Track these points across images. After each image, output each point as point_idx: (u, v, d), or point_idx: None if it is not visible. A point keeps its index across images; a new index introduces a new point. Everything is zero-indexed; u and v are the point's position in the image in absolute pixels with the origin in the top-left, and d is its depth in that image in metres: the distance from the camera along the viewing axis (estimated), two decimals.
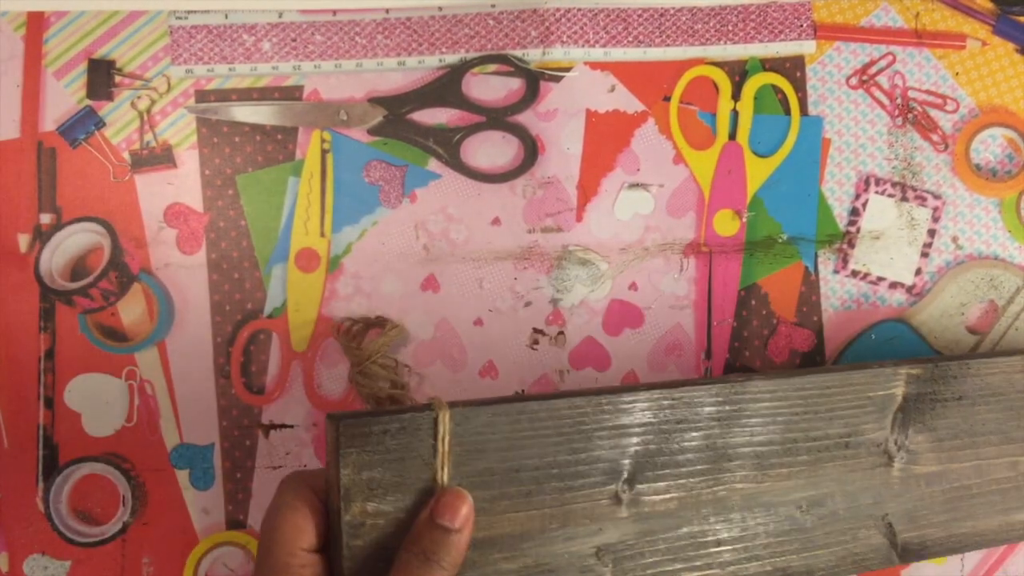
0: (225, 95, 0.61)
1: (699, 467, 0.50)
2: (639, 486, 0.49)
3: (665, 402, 0.50)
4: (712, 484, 0.51)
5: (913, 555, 0.55)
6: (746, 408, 0.51)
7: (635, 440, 0.49)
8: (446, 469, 0.46)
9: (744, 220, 0.64)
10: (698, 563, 0.50)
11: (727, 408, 0.51)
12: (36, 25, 0.61)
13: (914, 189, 0.64)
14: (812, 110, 0.64)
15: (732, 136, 0.64)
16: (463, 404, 0.46)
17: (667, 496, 0.50)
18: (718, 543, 0.51)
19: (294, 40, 0.62)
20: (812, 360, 0.64)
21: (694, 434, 0.50)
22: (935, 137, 0.64)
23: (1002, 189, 0.64)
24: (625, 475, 0.49)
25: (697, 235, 0.63)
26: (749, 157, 0.63)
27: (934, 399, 0.55)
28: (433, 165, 0.62)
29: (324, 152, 0.62)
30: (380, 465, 0.45)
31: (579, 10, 0.63)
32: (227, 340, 0.61)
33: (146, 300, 0.60)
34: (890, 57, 0.64)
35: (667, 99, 0.63)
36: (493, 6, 0.62)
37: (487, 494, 0.46)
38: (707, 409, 0.50)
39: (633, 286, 0.63)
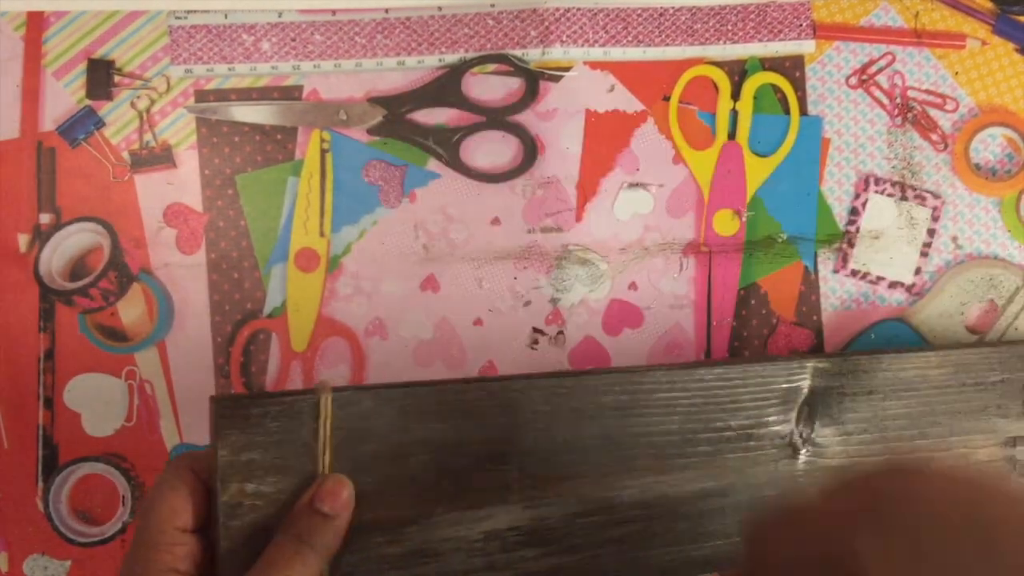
0: (224, 95, 0.61)
1: (596, 456, 0.50)
2: (531, 472, 0.49)
3: (560, 390, 0.49)
4: (607, 473, 0.50)
5: None
6: (644, 399, 0.51)
7: (527, 427, 0.49)
8: (328, 453, 0.46)
9: (744, 220, 0.64)
10: (588, 552, 0.50)
11: (623, 399, 0.51)
12: (36, 25, 0.61)
13: (914, 189, 0.64)
14: (812, 110, 0.64)
15: (732, 136, 0.64)
16: (347, 388, 0.47)
17: (561, 485, 0.50)
18: (614, 530, 0.51)
19: (294, 40, 0.62)
20: None
21: (589, 423, 0.50)
22: (935, 137, 0.64)
23: (1002, 189, 0.64)
24: (516, 462, 0.49)
25: (697, 235, 0.63)
26: (749, 157, 0.63)
27: (842, 393, 0.55)
28: (433, 165, 0.62)
29: (324, 152, 0.62)
30: (260, 447, 0.45)
31: (579, 10, 0.63)
32: (227, 340, 0.61)
33: (146, 300, 0.60)
34: (890, 57, 0.64)
35: (666, 99, 0.63)
36: (493, 6, 0.62)
37: (371, 478, 0.47)
38: (605, 399, 0.50)
39: (633, 286, 0.63)
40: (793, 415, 0.54)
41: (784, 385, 0.54)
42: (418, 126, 0.62)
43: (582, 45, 0.63)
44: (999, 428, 0.57)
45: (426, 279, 0.62)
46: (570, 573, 0.50)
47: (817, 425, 0.54)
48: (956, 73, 0.64)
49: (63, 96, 0.60)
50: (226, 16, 0.61)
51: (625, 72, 0.63)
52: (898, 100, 0.64)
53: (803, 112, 0.64)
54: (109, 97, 0.61)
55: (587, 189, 0.63)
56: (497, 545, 0.48)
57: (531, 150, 0.62)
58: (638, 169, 0.63)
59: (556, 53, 0.62)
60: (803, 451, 0.54)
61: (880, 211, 0.64)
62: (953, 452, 0.57)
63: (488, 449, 0.48)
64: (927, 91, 0.64)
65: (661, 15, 0.63)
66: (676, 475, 0.52)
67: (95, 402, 0.60)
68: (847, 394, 0.55)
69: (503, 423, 0.49)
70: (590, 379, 0.50)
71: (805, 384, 0.54)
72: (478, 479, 0.48)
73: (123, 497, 0.60)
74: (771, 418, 0.54)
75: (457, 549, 0.48)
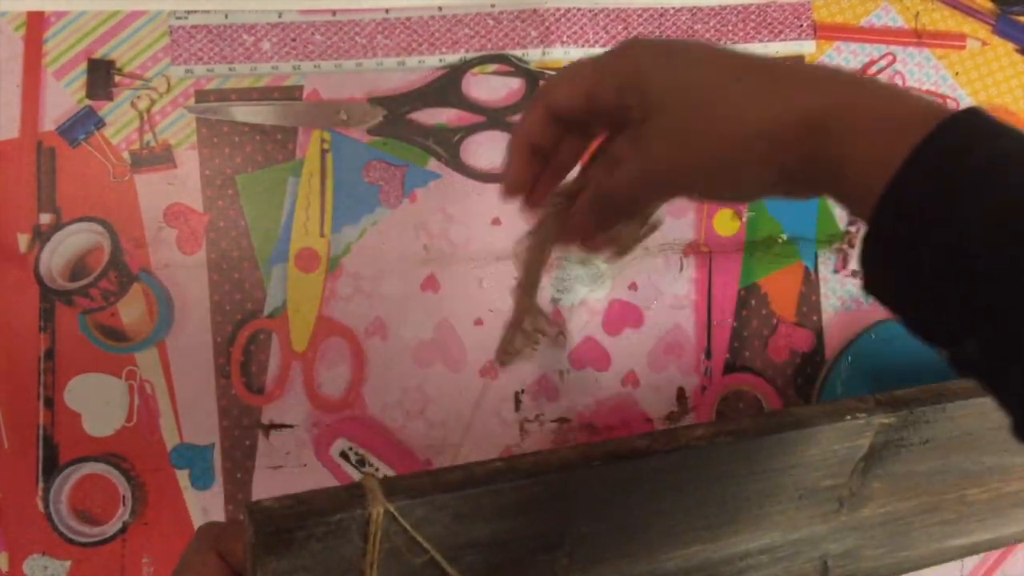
0: (225, 95, 0.61)
1: (646, 535, 0.47)
2: (580, 559, 0.46)
3: (621, 473, 0.45)
4: (654, 549, 0.48)
5: None
6: (702, 473, 0.48)
7: (580, 514, 0.45)
8: (375, 569, 0.41)
9: (744, 220, 0.64)
10: None
11: (681, 475, 0.47)
12: (36, 25, 0.61)
13: None
14: None
15: None
16: (397, 489, 0.41)
17: (610, 567, 0.47)
18: None
19: (294, 40, 0.62)
20: (812, 360, 0.64)
21: (644, 502, 0.47)
22: None
23: None
24: (566, 548, 0.46)
25: (697, 235, 0.63)
26: None
27: (899, 445, 0.52)
28: (433, 165, 0.62)
29: (324, 152, 0.62)
30: (302, 571, 0.40)
31: (579, 10, 0.63)
32: (227, 340, 0.61)
33: (146, 300, 0.60)
34: (890, 57, 0.64)
35: None
36: (493, 6, 0.62)
37: None
38: (664, 477, 0.47)
39: (633, 286, 0.63)
40: (848, 471, 0.51)
41: (846, 444, 0.50)
42: (418, 126, 0.62)
43: (582, 45, 0.63)
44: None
45: (426, 279, 0.62)
46: None
47: (868, 479, 0.52)
48: (956, 73, 0.64)
49: (63, 96, 0.60)
50: (226, 16, 0.61)
51: None
52: None
53: None
54: (109, 97, 0.61)
55: None
56: None
57: None
58: None
59: (556, 53, 0.62)
60: (848, 505, 0.52)
61: None
62: (988, 488, 0.56)
63: (539, 541, 0.45)
64: (927, 91, 0.64)
65: (661, 15, 0.63)
66: (722, 541, 0.49)
67: (95, 402, 0.60)
68: (904, 446, 0.52)
69: (555, 512, 0.45)
70: (652, 461, 0.46)
71: (867, 442, 0.51)
72: (528, 571, 0.45)
73: (123, 497, 0.60)
74: (825, 477, 0.50)
75: None
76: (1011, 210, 0.31)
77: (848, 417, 0.49)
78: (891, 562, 0.55)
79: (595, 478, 0.45)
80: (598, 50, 0.62)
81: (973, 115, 0.33)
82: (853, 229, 0.64)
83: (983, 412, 0.53)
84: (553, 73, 0.62)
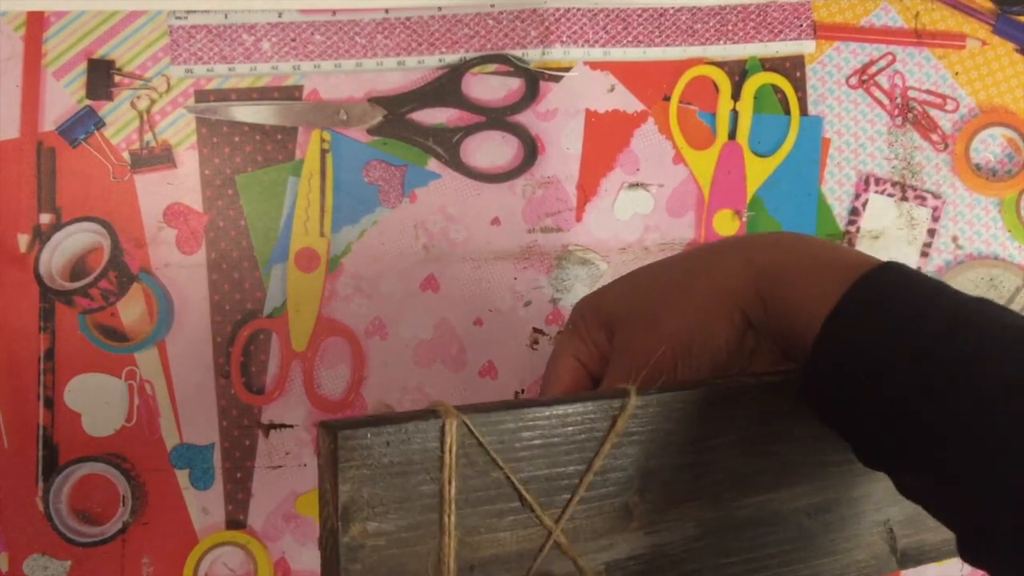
0: (225, 95, 0.61)
1: (716, 476, 0.48)
2: (651, 497, 0.47)
3: (689, 404, 0.47)
4: (723, 492, 0.48)
5: (912, 560, 0.53)
6: (775, 408, 0.48)
7: (650, 448, 0.46)
8: (453, 483, 0.43)
9: (744, 220, 0.64)
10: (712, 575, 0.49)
11: (758, 412, 0.47)
12: (36, 25, 0.61)
13: (914, 189, 0.64)
14: (812, 110, 0.64)
15: (732, 136, 0.64)
16: (470, 411, 0.43)
17: (681, 508, 0.47)
18: (727, 554, 0.49)
19: (294, 40, 0.62)
20: None
21: (718, 440, 0.47)
22: (935, 137, 0.64)
23: (1002, 189, 0.64)
24: (637, 485, 0.46)
25: (697, 235, 0.63)
26: (749, 157, 0.63)
27: None
28: (433, 165, 0.62)
29: (324, 152, 0.62)
30: (382, 480, 0.41)
31: (579, 10, 0.63)
32: (227, 340, 0.61)
33: (146, 300, 0.60)
34: (890, 57, 0.64)
35: (667, 99, 0.63)
36: (493, 6, 0.62)
37: (495, 509, 0.44)
38: (735, 414, 0.47)
39: None
40: None
41: None
42: (418, 126, 0.62)
43: (582, 45, 0.63)
44: None
45: (426, 279, 0.62)
46: None
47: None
48: (956, 73, 0.64)
49: (63, 96, 0.60)
50: (226, 16, 0.61)
51: (625, 72, 0.63)
52: (898, 100, 0.64)
53: (803, 112, 0.64)
54: (109, 97, 0.61)
55: (587, 189, 0.63)
56: (620, 575, 0.46)
57: (531, 150, 0.62)
58: (638, 169, 0.63)
59: (556, 53, 0.62)
60: None
61: (880, 211, 0.64)
62: None
63: (609, 474, 0.46)
64: (927, 91, 0.64)
65: (661, 15, 0.63)
66: (788, 490, 0.49)
67: (95, 402, 0.60)
68: None
69: (624, 443, 0.45)
70: (728, 393, 0.46)
71: None
72: (600, 506, 0.45)
73: (123, 497, 0.60)
74: None
75: None
76: (923, 352, 0.34)
77: None
78: (951, 536, 0.55)
79: (662, 412, 0.46)
80: (598, 50, 0.63)
81: (893, 268, 0.38)
82: (852, 229, 0.64)
83: None
84: (553, 73, 0.62)
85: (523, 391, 0.62)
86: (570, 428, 0.45)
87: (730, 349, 0.44)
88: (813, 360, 0.38)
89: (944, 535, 0.55)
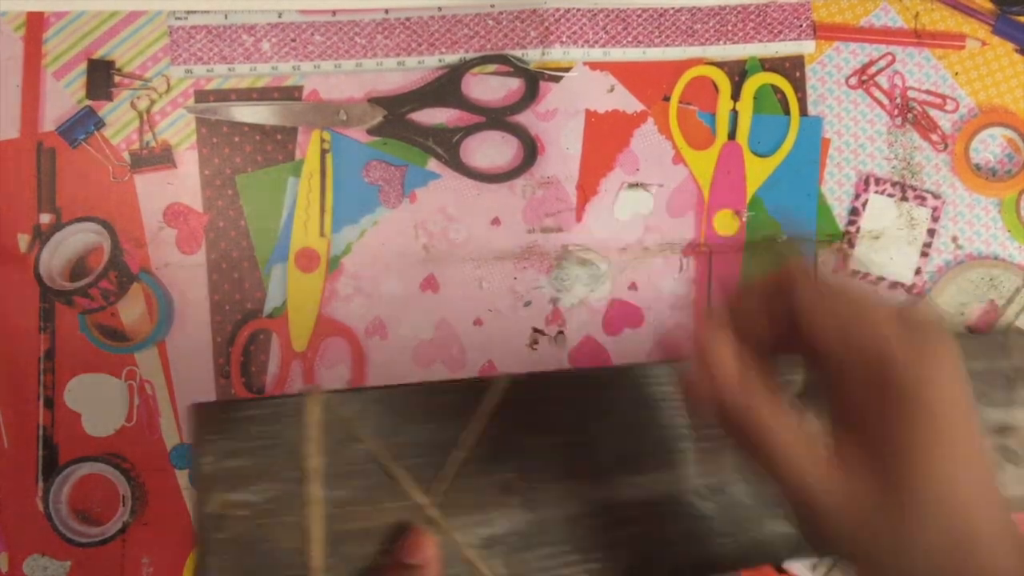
0: (224, 95, 0.61)
1: (598, 455, 0.49)
2: (530, 474, 0.47)
3: (559, 387, 0.48)
4: (607, 472, 0.49)
5: None
6: (650, 393, 0.50)
7: (526, 427, 0.47)
8: (318, 457, 0.44)
9: (744, 220, 0.64)
10: (598, 554, 0.48)
11: (633, 392, 0.49)
12: (36, 25, 0.61)
13: (914, 189, 0.64)
14: (811, 110, 0.64)
15: (732, 136, 0.64)
16: (335, 391, 0.45)
17: (561, 484, 0.48)
18: (618, 533, 0.49)
19: (293, 40, 0.62)
20: None
21: (593, 421, 0.48)
22: (935, 137, 0.64)
23: (1002, 189, 0.64)
24: (514, 462, 0.47)
25: (697, 235, 0.64)
26: (749, 157, 0.64)
27: None
28: (433, 165, 0.62)
29: (324, 152, 0.62)
30: (246, 453, 0.43)
31: (578, 10, 0.63)
32: (227, 340, 0.61)
33: (146, 300, 0.60)
34: (890, 57, 0.64)
35: (666, 99, 0.63)
36: (492, 6, 0.62)
37: (364, 483, 0.45)
38: (608, 394, 0.49)
39: (633, 286, 0.63)
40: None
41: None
42: (418, 126, 0.62)
43: (582, 45, 0.63)
44: (987, 417, 0.57)
45: (426, 279, 0.62)
46: None
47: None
48: (956, 73, 0.64)
49: (63, 96, 0.60)
50: (226, 16, 0.61)
51: (625, 72, 0.63)
52: (898, 100, 0.64)
53: (803, 112, 0.64)
54: (109, 97, 0.61)
55: (587, 189, 0.63)
56: (500, 550, 0.47)
57: (531, 150, 0.62)
58: (638, 169, 0.63)
59: (556, 53, 0.62)
60: None
61: (880, 211, 0.64)
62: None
63: (484, 450, 0.47)
64: (927, 91, 0.64)
65: (661, 15, 0.63)
66: (677, 472, 0.50)
67: (95, 402, 0.60)
68: None
69: (499, 422, 0.47)
70: (595, 374, 0.49)
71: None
72: (476, 480, 0.47)
73: (123, 497, 0.60)
74: None
75: (454, 556, 0.46)
76: None
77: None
78: None
79: (538, 393, 0.47)
80: (597, 50, 0.63)
81: None
82: (852, 229, 0.64)
83: None
84: (553, 73, 0.62)
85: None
86: (443, 408, 0.46)
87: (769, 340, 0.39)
88: None
89: None
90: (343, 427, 0.45)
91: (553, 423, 0.48)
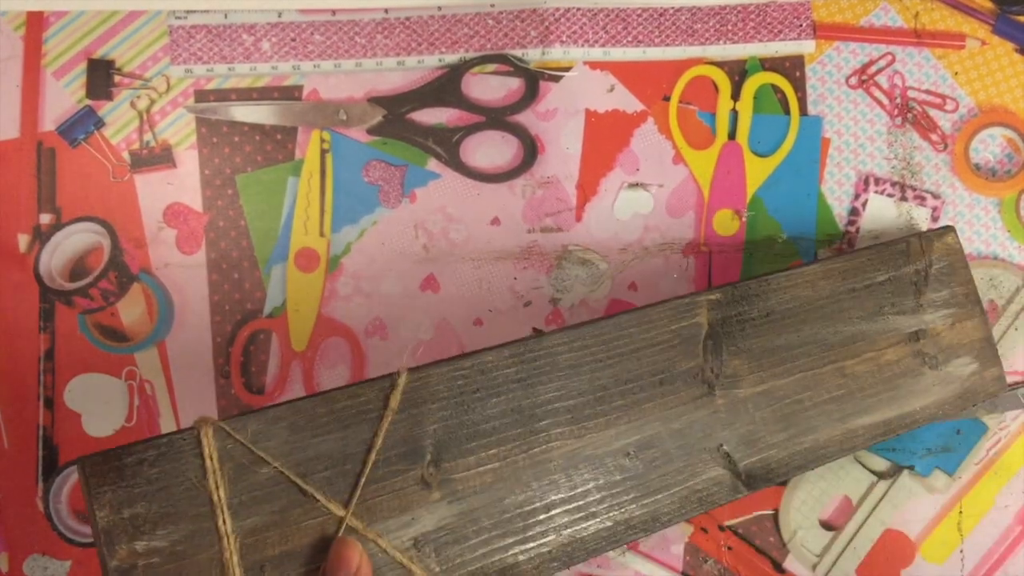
0: (224, 95, 0.61)
1: (508, 433, 0.48)
2: (446, 464, 0.47)
3: (456, 374, 0.47)
4: (527, 448, 0.48)
5: (760, 480, 0.53)
6: (545, 364, 0.49)
7: (432, 418, 0.47)
8: (221, 488, 0.42)
9: (744, 220, 0.64)
10: (531, 533, 0.48)
11: (526, 367, 0.49)
12: (36, 25, 0.61)
13: (913, 189, 0.64)
14: (811, 110, 0.64)
15: (732, 136, 0.64)
16: (228, 418, 0.43)
17: (480, 470, 0.47)
18: (547, 508, 0.48)
19: (293, 40, 0.62)
20: None
21: (495, 400, 0.48)
22: (934, 137, 0.64)
23: (1001, 189, 0.64)
24: (429, 456, 0.46)
25: (697, 235, 0.64)
26: (749, 157, 0.64)
27: (742, 319, 0.54)
28: (432, 165, 0.62)
29: (324, 152, 0.62)
30: (144, 499, 0.41)
31: (578, 10, 0.63)
32: (227, 340, 0.61)
33: (146, 300, 0.60)
34: (889, 57, 0.64)
35: (666, 99, 0.63)
36: (492, 6, 0.62)
37: (276, 505, 0.43)
38: (505, 372, 0.48)
39: (633, 286, 0.63)
40: (699, 351, 0.52)
41: (684, 324, 0.52)
42: (418, 126, 0.62)
43: (582, 45, 0.63)
44: (899, 325, 0.57)
45: (426, 279, 0.62)
46: (513, 564, 0.47)
47: (725, 357, 0.53)
48: (956, 73, 0.64)
49: (63, 96, 0.60)
50: (226, 16, 0.61)
51: (625, 72, 0.63)
52: (898, 100, 0.64)
53: (803, 112, 0.64)
54: (109, 97, 0.61)
55: (587, 189, 0.63)
56: (431, 548, 0.46)
57: (531, 150, 0.62)
58: (638, 169, 0.63)
59: (556, 53, 0.62)
60: (718, 385, 0.53)
61: (880, 211, 0.64)
62: (863, 358, 0.56)
63: (395, 447, 0.46)
64: (927, 91, 0.64)
65: (661, 15, 0.63)
66: (597, 435, 0.50)
67: (95, 402, 0.60)
68: (746, 320, 0.54)
69: (405, 419, 0.46)
70: (486, 356, 0.48)
71: (703, 319, 0.53)
72: (393, 483, 0.46)
73: None
74: (678, 359, 0.52)
75: (389, 563, 0.45)
76: None
77: (672, 300, 0.53)
78: (799, 449, 0.54)
79: (438, 384, 0.47)
80: (597, 50, 0.63)
81: None
82: (852, 229, 0.64)
83: (808, 281, 0.56)
84: (553, 73, 0.62)
85: None
86: (342, 414, 0.45)
87: None
88: None
89: (789, 450, 0.54)
90: (243, 452, 0.43)
91: (453, 411, 0.48)
